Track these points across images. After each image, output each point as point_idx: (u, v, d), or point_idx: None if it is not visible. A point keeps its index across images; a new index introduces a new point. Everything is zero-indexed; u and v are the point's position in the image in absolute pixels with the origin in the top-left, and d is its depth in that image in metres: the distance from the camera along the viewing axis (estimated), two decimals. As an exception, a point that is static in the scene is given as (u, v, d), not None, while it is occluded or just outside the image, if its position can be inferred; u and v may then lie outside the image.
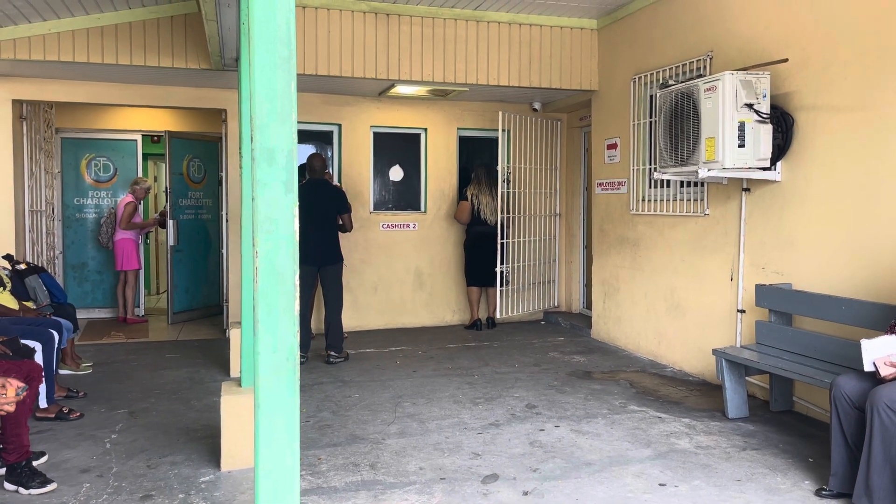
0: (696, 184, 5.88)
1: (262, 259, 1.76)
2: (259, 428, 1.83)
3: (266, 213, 1.76)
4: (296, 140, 1.78)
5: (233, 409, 3.81)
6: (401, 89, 7.42)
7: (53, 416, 4.64)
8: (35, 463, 3.81)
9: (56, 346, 4.81)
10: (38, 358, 4.55)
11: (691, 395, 5.33)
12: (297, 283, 1.77)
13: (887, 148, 4.22)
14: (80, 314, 8.07)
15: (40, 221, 8.19)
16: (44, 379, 4.48)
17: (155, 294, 10.99)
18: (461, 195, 8.02)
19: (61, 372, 5.62)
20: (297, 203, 1.79)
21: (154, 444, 4.24)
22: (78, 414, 4.72)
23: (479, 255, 7.96)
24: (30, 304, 5.38)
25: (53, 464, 3.92)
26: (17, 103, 7.42)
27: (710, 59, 5.64)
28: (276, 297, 1.77)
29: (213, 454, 4.04)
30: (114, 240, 8.50)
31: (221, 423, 3.82)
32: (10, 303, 5.09)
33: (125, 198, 8.55)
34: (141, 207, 8.82)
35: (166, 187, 8.32)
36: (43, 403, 4.61)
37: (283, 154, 1.75)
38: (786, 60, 4.79)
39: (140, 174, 9.13)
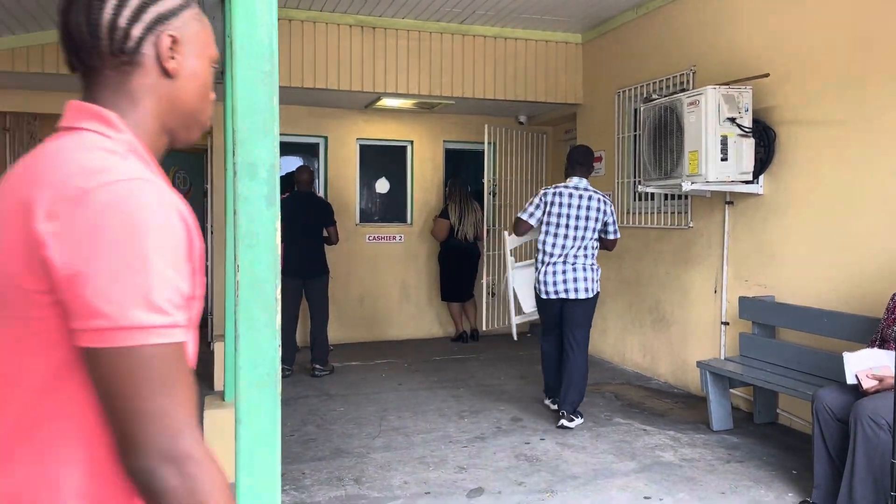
0: (680, 197, 5.92)
1: (243, 273, 1.75)
2: (240, 445, 1.82)
3: (247, 227, 1.75)
4: (277, 154, 1.77)
5: (216, 423, 3.78)
6: (387, 102, 7.44)
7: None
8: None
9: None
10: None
11: (676, 408, 5.34)
12: (279, 296, 1.76)
13: (865, 162, 4.27)
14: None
15: (22, 234, 8.09)
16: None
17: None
18: (442, 213, 7.89)
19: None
20: (280, 217, 1.77)
21: (136, 460, 4.19)
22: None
23: (454, 270, 7.89)
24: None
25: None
26: (0, 115, 7.36)
27: (693, 73, 5.69)
28: (257, 311, 1.76)
29: (195, 469, 3.99)
30: None
31: (204, 438, 3.78)
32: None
33: None
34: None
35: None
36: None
37: (265, 168, 1.74)
38: (767, 75, 4.84)
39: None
